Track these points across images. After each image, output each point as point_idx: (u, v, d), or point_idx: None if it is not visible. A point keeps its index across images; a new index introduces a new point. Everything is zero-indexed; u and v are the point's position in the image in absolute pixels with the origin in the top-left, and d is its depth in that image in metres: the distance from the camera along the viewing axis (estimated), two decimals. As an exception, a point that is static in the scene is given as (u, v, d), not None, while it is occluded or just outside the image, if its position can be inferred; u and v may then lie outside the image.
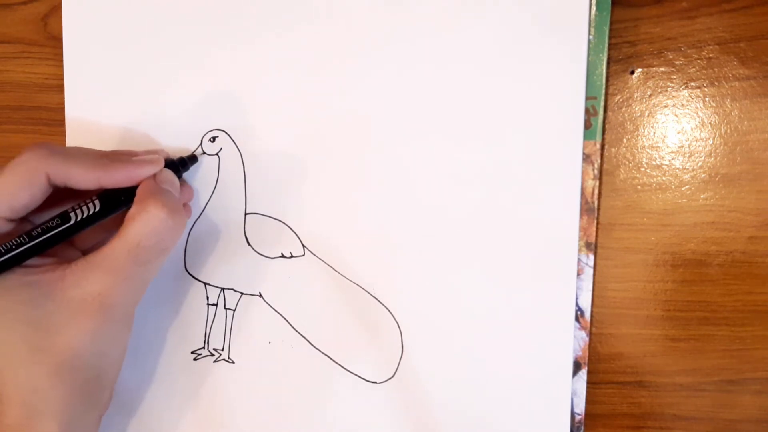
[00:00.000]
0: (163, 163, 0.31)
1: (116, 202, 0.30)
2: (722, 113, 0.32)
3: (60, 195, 0.30)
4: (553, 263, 0.33)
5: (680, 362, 0.34)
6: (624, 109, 0.33)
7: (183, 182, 0.34)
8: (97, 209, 0.30)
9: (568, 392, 0.33)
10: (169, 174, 0.31)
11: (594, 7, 0.32)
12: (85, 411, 0.30)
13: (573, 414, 0.34)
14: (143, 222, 0.28)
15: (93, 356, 0.29)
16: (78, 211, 0.29)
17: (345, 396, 0.35)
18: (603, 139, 0.33)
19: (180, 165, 0.33)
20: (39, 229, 0.29)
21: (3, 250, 0.28)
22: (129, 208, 0.30)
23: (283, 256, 0.34)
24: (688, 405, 0.34)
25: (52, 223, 0.29)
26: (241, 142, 0.34)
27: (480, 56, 0.32)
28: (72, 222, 0.29)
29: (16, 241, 0.28)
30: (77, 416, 0.29)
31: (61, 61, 0.35)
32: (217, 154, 0.34)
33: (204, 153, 0.34)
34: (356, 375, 0.35)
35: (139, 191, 0.30)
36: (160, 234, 0.29)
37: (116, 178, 0.30)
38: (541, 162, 0.32)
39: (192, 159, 0.34)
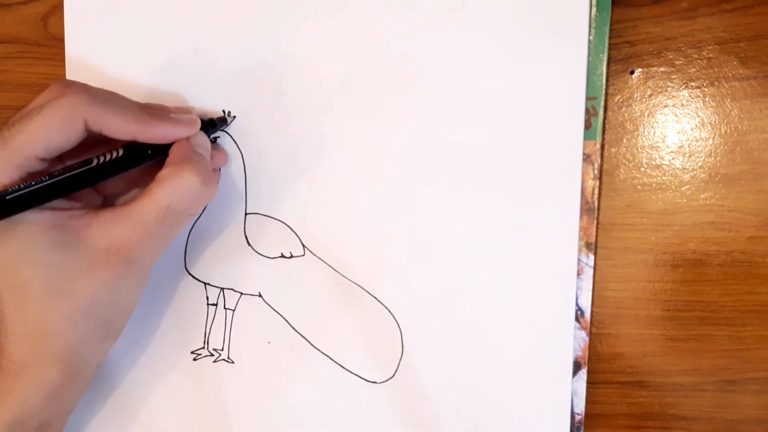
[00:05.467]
0: (199, 125, 0.31)
1: (143, 155, 0.30)
2: (722, 113, 0.32)
3: (94, 142, 0.30)
4: (553, 263, 0.33)
5: (680, 362, 0.34)
6: (624, 109, 0.33)
7: (217, 146, 0.34)
8: (119, 155, 0.29)
9: (568, 392, 0.33)
10: (204, 138, 0.31)
11: (594, 7, 0.32)
12: (89, 358, 0.30)
13: (573, 414, 0.34)
14: (176, 186, 0.29)
15: (107, 306, 0.29)
16: (101, 157, 0.29)
17: (345, 396, 0.35)
18: (603, 139, 0.33)
19: (210, 126, 0.32)
20: (60, 170, 0.29)
21: (23, 187, 0.27)
22: (154, 162, 0.30)
23: (283, 256, 0.34)
24: (688, 405, 0.34)
25: (74, 165, 0.29)
26: (242, 142, 0.34)
27: (480, 56, 0.32)
28: (93, 165, 0.29)
29: (37, 179, 0.28)
30: (80, 362, 0.30)
31: (61, 61, 0.35)
32: (217, 154, 0.34)
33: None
34: (356, 375, 0.35)
35: (173, 152, 0.30)
36: (191, 200, 0.29)
37: (152, 134, 0.29)
38: (541, 162, 0.32)
39: (222, 121, 0.33)
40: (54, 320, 0.28)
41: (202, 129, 0.31)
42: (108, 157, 0.29)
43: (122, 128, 0.29)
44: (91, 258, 0.28)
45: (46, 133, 0.28)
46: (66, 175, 0.28)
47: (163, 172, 0.29)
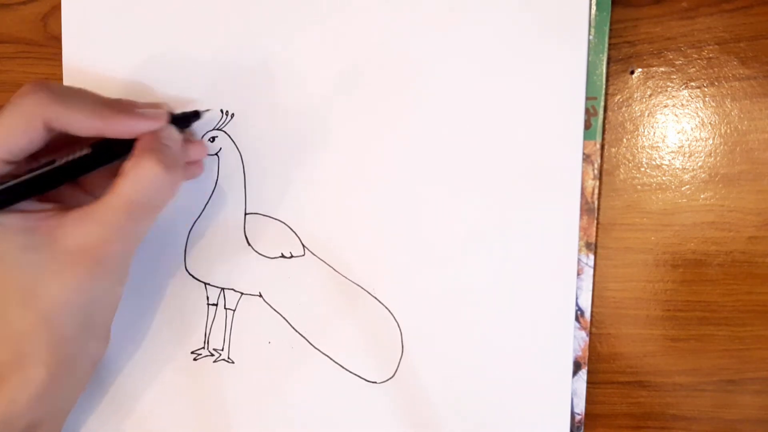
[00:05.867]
0: (166, 120, 0.30)
1: (112, 153, 0.30)
2: (722, 113, 0.32)
3: (68, 140, 0.30)
4: (553, 263, 0.33)
5: (680, 362, 0.34)
6: (624, 109, 0.33)
7: (192, 139, 0.33)
8: (85, 154, 0.29)
9: (568, 392, 0.33)
10: (172, 131, 0.31)
11: (594, 7, 0.32)
12: (76, 357, 0.30)
13: (573, 414, 0.34)
14: (137, 177, 0.28)
15: (84, 305, 0.29)
16: (66, 156, 0.29)
17: (345, 396, 0.35)
18: (603, 139, 0.33)
19: (182, 120, 0.32)
20: (26, 171, 0.28)
21: None
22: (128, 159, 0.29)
23: (283, 256, 0.34)
24: (688, 405, 0.34)
25: (39, 166, 0.29)
26: (241, 142, 0.34)
27: (480, 56, 0.32)
28: (56, 165, 0.29)
29: (2, 182, 0.28)
30: (67, 362, 0.29)
31: (61, 60, 0.35)
32: (216, 154, 0.34)
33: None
34: (356, 375, 0.35)
35: (137, 145, 0.29)
36: (155, 190, 0.29)
37: (117, 129, 0.29)
38: (541, 162, 0.32)
39: (195, 115, 0.33)
40: (32, 321, 0.28)
41: (174, 124, 0.31)
42: (73, 156, 0.29)
43: (85, 125, 0.28)
44: (62, 258, 0.28)
45: (6, 135, 0.27)
46: (28, 177, 0.28)
47: (125, 165, 0.29)
